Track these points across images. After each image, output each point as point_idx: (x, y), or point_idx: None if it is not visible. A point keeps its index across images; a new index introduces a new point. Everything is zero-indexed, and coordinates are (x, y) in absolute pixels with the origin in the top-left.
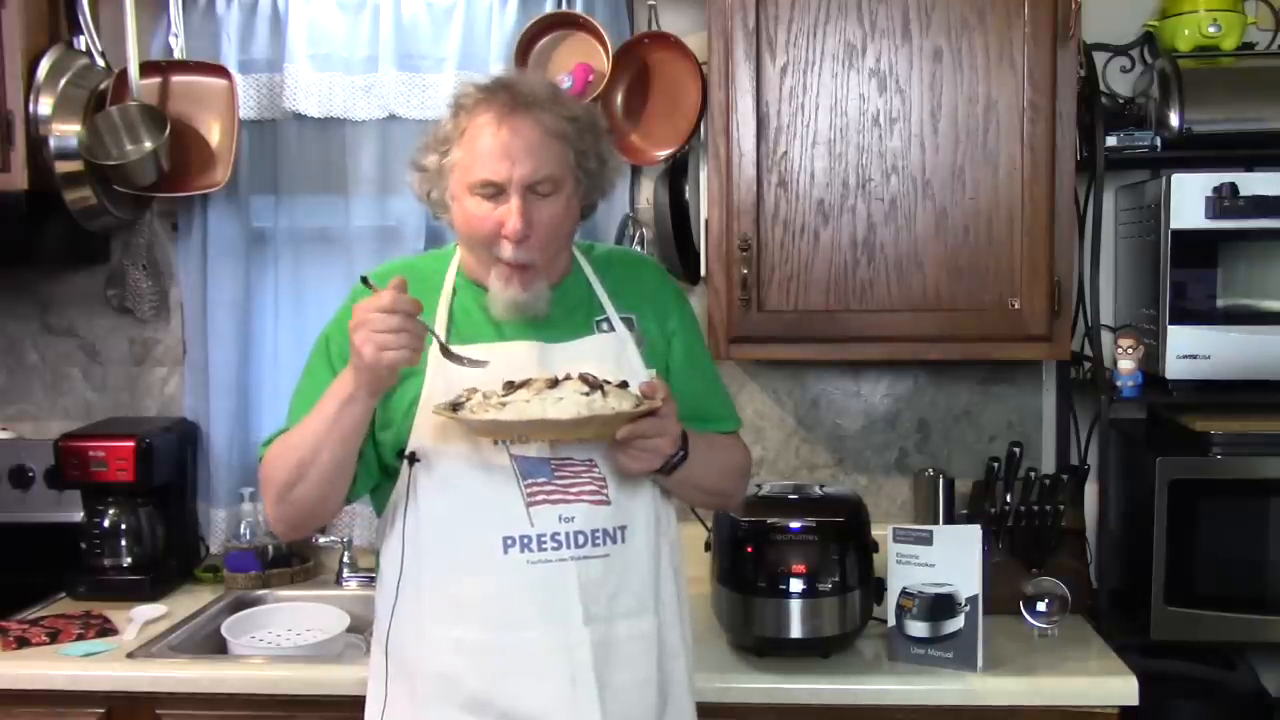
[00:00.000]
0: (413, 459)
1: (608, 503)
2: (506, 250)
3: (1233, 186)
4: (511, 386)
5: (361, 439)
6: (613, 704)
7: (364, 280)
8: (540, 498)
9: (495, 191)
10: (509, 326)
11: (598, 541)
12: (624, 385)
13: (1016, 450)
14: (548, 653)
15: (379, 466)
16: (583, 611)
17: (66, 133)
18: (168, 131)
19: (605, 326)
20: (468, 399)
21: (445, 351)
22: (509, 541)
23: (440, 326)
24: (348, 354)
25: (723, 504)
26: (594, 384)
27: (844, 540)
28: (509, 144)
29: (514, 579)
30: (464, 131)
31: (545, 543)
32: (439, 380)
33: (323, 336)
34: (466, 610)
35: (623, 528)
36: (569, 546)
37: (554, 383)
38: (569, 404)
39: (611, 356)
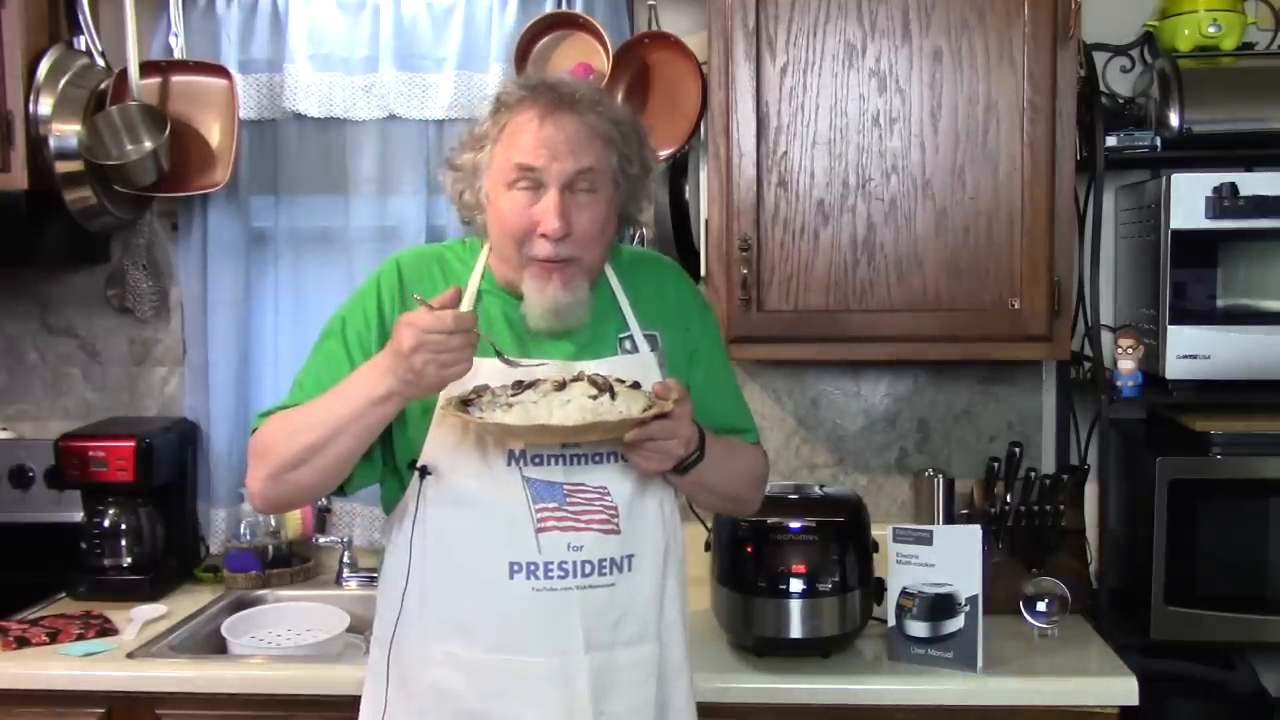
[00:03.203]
0: (424, 472)
1: (618, 532)
2: (542, 249)
3: (1233, 186)
4: (520, 386)
5: (370, 444)
6: None
7: (419, 300)
8: (550, 524)
9: (533, 185)
10: (533, 342)
11: (604, 571)
12: (636, 386)
13: (1016, 450)
14: (546, 679)
15: (383, 465)
16: (584, 640)
17: (66, 133)
18: (168, 131)
19: (629, 345)
20: (478, 396)
21: (503, 359)
22: (515, 567)
23: None
24: (364, 338)
25: (737, 510)
26: (603, 386)
27: (844, 540)
28: (551, 138)
29: (517, 605)
30: (504, 128)
31: (552, 571)
32: (454, 388)
33: (337, 318)
34: (467, 630)
35: (630, 556)
36: (575, 575)
37: (561, 385)
38: (574, 408)
39: (634, 378)
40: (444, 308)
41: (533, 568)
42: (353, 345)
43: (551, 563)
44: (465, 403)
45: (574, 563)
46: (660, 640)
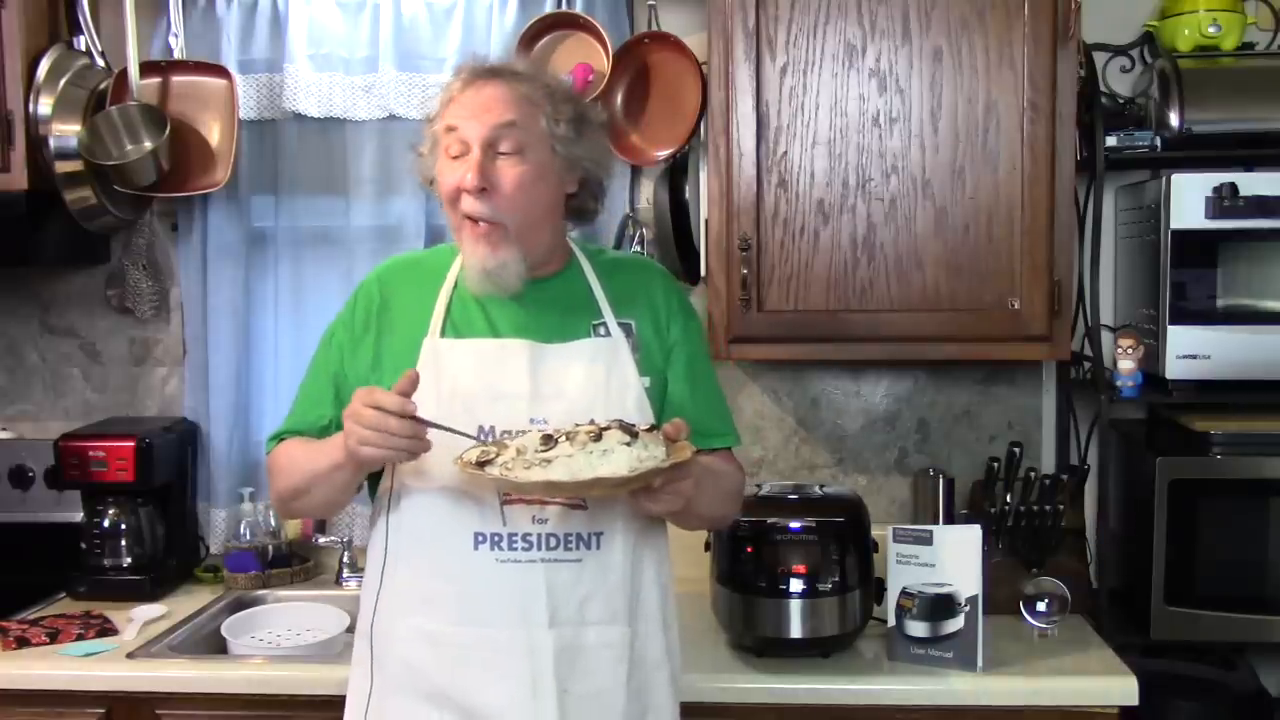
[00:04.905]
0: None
1: (583, 507)
2: (466, 203)
3: (1233, 186)
4: (551, 441)
5: (355, 487)
6: (574, 710)
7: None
8: (515, 496)
9: (463, 149)
10: (503, 323)
11: (570, 545)
12: (653, 429)
13: (1016, 450)
14: (510, 653)
15: None
16: (549, 614)
17: (66, 133)
18: (167, 131)
19: (602, 331)
20: (497, 454)
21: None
22: (479, 538)
23: (437, 319)
24: (344, 349)
25: (716, 527)
26: (633, 432)
27: (844, 540)
28: (472, 100)
29: (481, 576)
30: (442, 104)
31: (516, 542)
32: (428, 371)
33: (328, 331)
34: (435, 603)
35: (598, 534)
36: (539, 548)
37: (598, 435)
38: (620, 458)
39: (604, 361)
40: (401, 392)
41: (496, 539)
42: (333, 358)
43: (516, 534)
44: (482, 463)
45: (538, 535)
46: (633, 625)
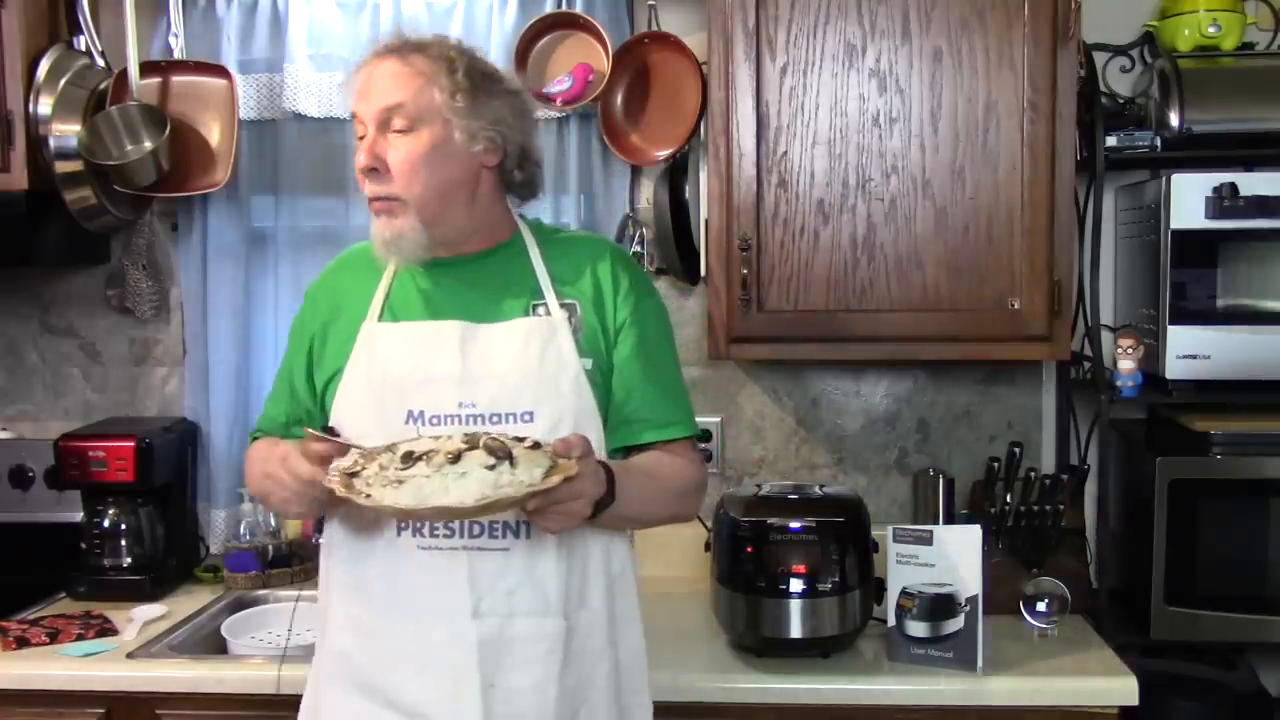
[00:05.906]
0: (331, 434)
1: None
2: (367, 187)
3: (1233, 186)
4: (410, 458)
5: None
6: (501, 705)
7: (306, 431)
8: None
9: (365, 132)
10: (441, 304)
11: (495, 534)
12: (536, 446)
13: (1016, 450)
14: (431, 644)
15: None
16: (472, 605)
17: (66, 133)
18: (167, 131)
19: (541, 310)
20: (364, 467)
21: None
22: (402, 525)
23: (376, 303)
24: (293, 349)
25: (674, 522)
26: (501, 453)
27: (844, 540)
28: (366, 82)
29: (404, 563)
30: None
31: (438, 529)
32: (362, 355)
33: (291, 330)
34: (362, 590)
35: (527, 523)
36: (462, 536)
37: (456, 457)
38: (472, 483)
39: (539, 341)
40: (325, 452)
41: (418, 525)
42: (288, 355)
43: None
44: (352, 475)
45: (460, 522)
46: (570, 618)
